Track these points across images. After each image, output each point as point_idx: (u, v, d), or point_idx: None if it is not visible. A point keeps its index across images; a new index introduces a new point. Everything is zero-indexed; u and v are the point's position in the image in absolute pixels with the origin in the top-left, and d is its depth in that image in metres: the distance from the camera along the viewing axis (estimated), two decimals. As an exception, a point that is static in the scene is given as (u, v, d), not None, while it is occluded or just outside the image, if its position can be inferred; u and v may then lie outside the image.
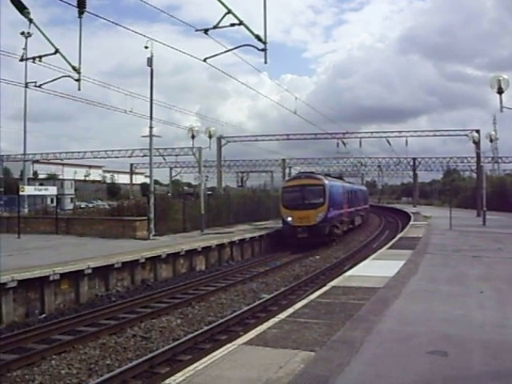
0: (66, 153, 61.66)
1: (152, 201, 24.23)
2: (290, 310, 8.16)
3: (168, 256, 18.71)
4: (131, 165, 76.14)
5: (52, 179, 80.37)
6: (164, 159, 59.00)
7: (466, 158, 59.17)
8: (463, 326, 7.05)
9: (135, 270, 17.08)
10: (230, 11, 11.51)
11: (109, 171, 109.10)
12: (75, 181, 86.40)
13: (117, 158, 57.90)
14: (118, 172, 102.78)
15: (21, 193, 26.73)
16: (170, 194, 43.32)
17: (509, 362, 5.52)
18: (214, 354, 5.99)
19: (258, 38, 11.96)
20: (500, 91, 18.25)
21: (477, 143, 38.06)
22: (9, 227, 27.11)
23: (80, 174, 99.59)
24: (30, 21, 11.18)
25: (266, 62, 12.61)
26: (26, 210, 39.11)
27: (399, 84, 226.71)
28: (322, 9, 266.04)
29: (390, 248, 17.81)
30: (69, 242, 21.45)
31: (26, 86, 27.14)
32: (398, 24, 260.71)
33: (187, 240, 22.49)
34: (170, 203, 29.31)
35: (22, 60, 16.30)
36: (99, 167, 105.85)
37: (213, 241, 22.18)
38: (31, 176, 71.49)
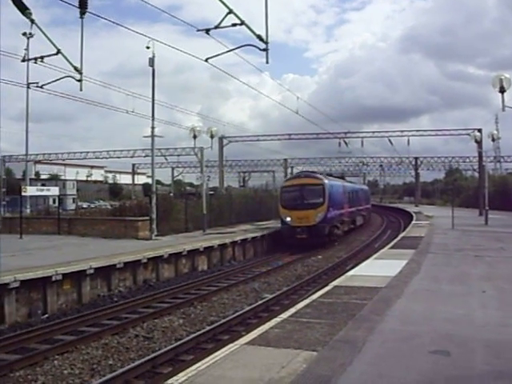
0: (68, 153, 61.85)
1: (154, 201, 24.23)
2: (292, 310, 8.16)
3: (170, 256, 18.71)
4: (133, 165, 76.26)
5: (54, 179, 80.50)
6: (166, 159, 59.16)
7: (468, 157, 59.23)
8: (466, 325, 7.04)
9: (137, 270, 17.09)
10: (231, 11, 11.51)
11: (111, 171, 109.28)
12: (77, 181, 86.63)
13: (119, 158, 58.09)
14: (120, 172, 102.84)
15: (23, 193, 26.74)
16: (171, 194, 43.31)
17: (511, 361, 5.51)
18: (216, 353, 5.99)
19: (259, 37, 11.96)
20: (502, 90, 18.26)
21: (479, 142, 38.02)
22: (11, 228, 27.14)
23: (82, 174, 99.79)
24: (32, 21, 11.20)
25: (267, 62, 12.59)
26: (28, 211, 39.14)
27: (401, 83, 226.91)
28: (324, 8, 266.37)
29: (392, 247, 17.79)
30: (71, 243, 21.48)
31: (28, 87, 27.19)
32: (400, 23, 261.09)
33: (189, 240, 22.50)
34: (172, 203, 29.30)
35: (23, 60, 16.39)
36: (101, 167, 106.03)
37: (215, 241, 22.19)
38: (33, 176, 71.68)
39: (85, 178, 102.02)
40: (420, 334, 6.58)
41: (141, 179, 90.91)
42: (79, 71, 12.87)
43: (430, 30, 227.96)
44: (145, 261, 17.29)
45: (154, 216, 23.93)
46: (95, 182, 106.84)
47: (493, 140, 35.30)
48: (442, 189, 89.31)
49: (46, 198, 45.87)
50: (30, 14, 10.91)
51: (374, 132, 56.02)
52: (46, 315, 13.13)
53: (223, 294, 15.51)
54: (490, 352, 5.82)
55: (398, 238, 22.09)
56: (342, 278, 11.68)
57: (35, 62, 13.93)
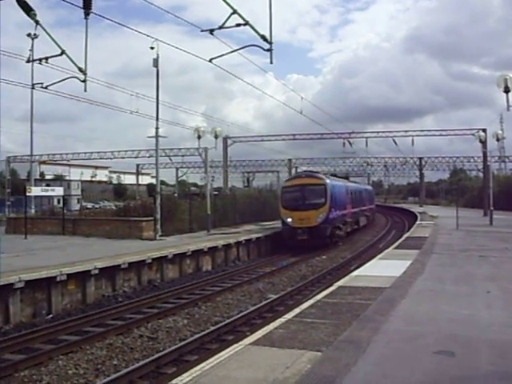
0: (73, 153, 61.79)
1: (158, 201, 24.29)
2: (297, 310, 8.15)
3: (174, 256, 18.74)
4: (137, 165, 76.20)
5: (59, 180, 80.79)
6: (170, 160, 59.13)
7: (472, 157, 58.87)
8: (470, 325, 7.02)
9: (142, 270, 17.12)
10: (235, 11, 11.54)
11: (115, 172, 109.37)
12: (82, 181, 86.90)
13: (123, 158, 57.91)
14: (125, 172, 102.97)
15: (28, 194, 26.84)
16: (176, 195, 43.38)
17: (516, 362, 5.49)
18: (220, 354, 5.99)
19: (263, 38, 11.98)
20: (507, 90, 18.20)
21: (483, 142, 37.87)
22: (16, 228, 27.29)
23: (86, 174, 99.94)
24: (37, 22, 11.27)
25: (271, 62, 12.64)
26: (33, 211, 39.31)
27: (405, 83, 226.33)
28: (328, 8, 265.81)
29: (397, 248, 17.76)
30: (75, 243, 21.54)
31: (33, 88, 27.18)
32: (404, 23, 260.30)
33: (194, 240, 22.53)
34: (177, 203, 29.34)
35: (28, 61, 16.41)
36: (105, 168, 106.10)
37: (219, 241, 22.21)
38: (38, 177, 71.88)
39: (89, 179, 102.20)
40: (424, 334, 6.57)
41: (145, 179, 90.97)
42: (83, 72, 12.93)
43: (434, 30, 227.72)
44: (149, 261, 17.32)
45: (159, 216, 23.98)
46: (99, 182, 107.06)
47: (497, 140, 35.22)
48: (447, 189, 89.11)
49: (50, 198, 46.04)
50: (35, 15, 10.98)
51: (378, 132, 55.73)
52: (51, 315, 13.17)
53: (227, 294, 15.52)
54: (494, 352, 5.80)
55: (403, 238, 22.06)
56: (347, 278, 11.67)
57: (40, 63, 14.00)
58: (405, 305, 8.37)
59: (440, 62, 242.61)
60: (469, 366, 5.38)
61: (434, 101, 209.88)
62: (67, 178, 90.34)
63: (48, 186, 48.75)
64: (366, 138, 53.38)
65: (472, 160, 59.67)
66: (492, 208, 29.15)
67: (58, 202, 45.60)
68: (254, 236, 25.37)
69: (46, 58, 13.61)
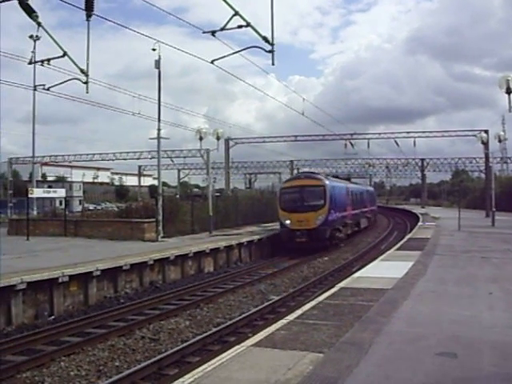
0: (75, 155, 61.95)
1: (160, 203, 24.28)
2: (299, 312, 8.15)
3: (176, 258, 18.74)
4: (139, 167, 76.29)
5: (61, 181, 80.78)
6: (172, 161, 59.01)
7: (474, 158, 58.83)
8: (472, 327, 7.01)
9: (144, 271, 17.12)
10: (237, 13, 11.55)
11: (117, 173, 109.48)
12: (84, 183, 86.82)
13: (125, 160, 58.07)
14: (126, 174, 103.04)
15: (30, 195, 26.86)
16: (178, 196, 43.36)
17: (519, 363, 5.48)
18: (222, 355, 6.00)
19: (265, 39, 11.99)
20: (508, 91, 18.23)
21: (485, 143, 37.87)
22: (18, 229, 27.31)
23: (88, 176, 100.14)
24: (39, 24, 11.29)
25: (273, 64, 12.62)
26: (35, 212, 39.28)
27: (407, 85, 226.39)
28: (329, 10, 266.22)
29: (399, 249, 17.75)
30: (77, 244, 21.55)
31: (35, 89, 27.25)
32: (406, 24, 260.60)
33: (195, 242, 22.52)
34: (179, 205, 29.30)
35: (30, 63, 16.45)
36: (107, 169, 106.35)
37: (221, 242, 22.21)
38: (40, 178, 71.99)
39: (91, 180, 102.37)
40: (426, 335, 6.57)
41: (147, 181, 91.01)
42: (85, 73, 12.95)
43: (436, 31, 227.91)
44: (151, 262, 17.32)
45: (160, 218, 23.98)
46: (101, 183, 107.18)
47: (499, 141, 35.21)
48: (449, 190, 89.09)
49: (52, 199, 46.00)
50: (37, 16, 10.99)
51: (380, 133, 55.74)
52: (53, 317, 13.18)
53: (229, 295, 15.52)
54: (497, 354, 5.80)
55: (405, 239, 22.04)
56: (349, 279, 11.66)
57: (42, 65, 14.03)
58: (407, 306, 8.36)
59: (442, 63, 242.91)
60: (471, 368, 5.37)
61: (436, 102, 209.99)
62: (69, 179, 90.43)
63: (50, 187, 48.67)
64: (368, 139, 53.49)
65: (474, 161, 59.65)
66: (494, 209, 29.16)
67: (60, 204, 45.62)
68: (255, 237, 25.35)
69: (48, 60, 13.64)
